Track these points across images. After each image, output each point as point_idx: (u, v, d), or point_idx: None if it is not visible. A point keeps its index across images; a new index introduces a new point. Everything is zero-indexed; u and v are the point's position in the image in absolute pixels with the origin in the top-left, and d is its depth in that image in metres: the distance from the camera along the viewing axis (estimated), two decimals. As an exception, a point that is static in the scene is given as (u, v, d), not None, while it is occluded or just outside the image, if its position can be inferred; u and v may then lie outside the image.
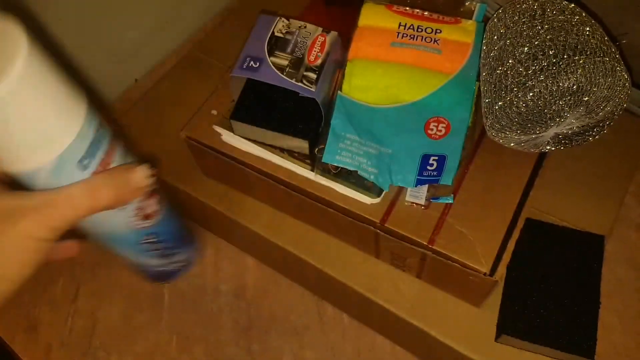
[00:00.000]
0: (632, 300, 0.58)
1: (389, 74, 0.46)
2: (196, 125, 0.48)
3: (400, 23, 0.47)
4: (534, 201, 0.49)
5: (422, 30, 0.47)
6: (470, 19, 0.49)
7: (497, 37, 0.43)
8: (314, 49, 0.45)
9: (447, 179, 0.42)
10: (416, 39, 0.46)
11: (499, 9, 0.44)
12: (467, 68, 0.45)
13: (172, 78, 0.64)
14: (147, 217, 0.36)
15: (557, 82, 0.37)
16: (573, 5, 0.42)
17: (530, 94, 0.38)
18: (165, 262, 0.43)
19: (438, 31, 0.47)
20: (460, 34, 0.47)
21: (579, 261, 0.45)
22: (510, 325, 0.43)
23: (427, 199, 0.44)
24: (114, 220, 0.33)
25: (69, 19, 0.62)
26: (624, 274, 0.60)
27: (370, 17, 0.48)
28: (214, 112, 0.49)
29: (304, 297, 0.59)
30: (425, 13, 0.48)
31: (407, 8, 0.48)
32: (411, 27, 0.47)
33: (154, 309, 0.60)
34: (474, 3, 0.49)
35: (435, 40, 0.46)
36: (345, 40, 0.48)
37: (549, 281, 0.45)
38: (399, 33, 0.47)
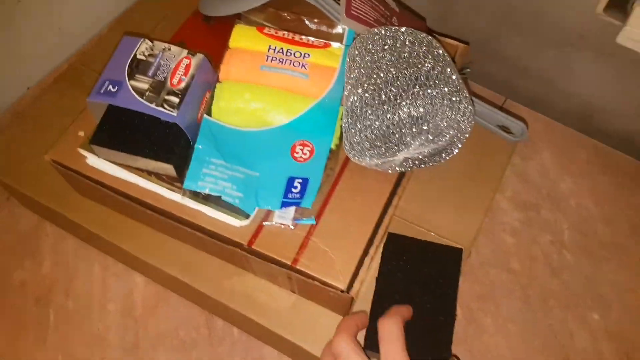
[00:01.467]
0: (503, 302, 0.63)
1: (258, 98, 0.47)
2: (62, 148, 0.48)
3: (270, 46, 0.48)
4: (402, 212, 0.52)
5: (291, 54, 0.48)
6: (341, 42, 0.51)
7: (352, 65, 0.45)
8: (178, 72, 0.45)
9: (307, 202, 0.44)
10: (285, 63, 0.48)
11: (355, 36, 0.46)
12: (332, 92, 0.47)
13: (55, 91, 0.62)
14: None
15: (398, 112, 0.39)
16: (424, 35, 0.44)
17: (376, 123, 0.40)
18: None
19: (307, 55, 0.48)
20: (327, 59, 0.48)
21: (438, 274, 0.48)
22: (369, 338, 0.45)
23: (293, 220, 0.46)
24: None
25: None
26: (497, 276, 0.65)
27: (241, 39, 0.49)
28: (81, 133, 0.48)
29: (193, 312, 0.60)
30: (296, 37, 0.49)
31: (278, 31, 0.49)
32: (280, 50, 0.48)
33: (39, 329, 0.59)
34: (344, 27, 0.51)
35: (303, 65, 0.48)
36: (218, 60, 0.48)
37: (411, 294, 0.47)
38: (268, 56, 0.48)
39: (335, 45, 0.50)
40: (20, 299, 0.60)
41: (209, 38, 0.56)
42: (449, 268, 0.49)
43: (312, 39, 0.50)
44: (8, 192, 0.63)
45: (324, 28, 0.52)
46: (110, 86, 0.43)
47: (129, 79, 0.43)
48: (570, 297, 0.63)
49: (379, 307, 0.46)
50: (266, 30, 0.50)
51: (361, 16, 0.48)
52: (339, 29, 0.52)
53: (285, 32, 0.50)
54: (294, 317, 0.49)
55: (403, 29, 0.44)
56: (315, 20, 0.52)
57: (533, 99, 0.72)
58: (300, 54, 0.48)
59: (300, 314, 0.49)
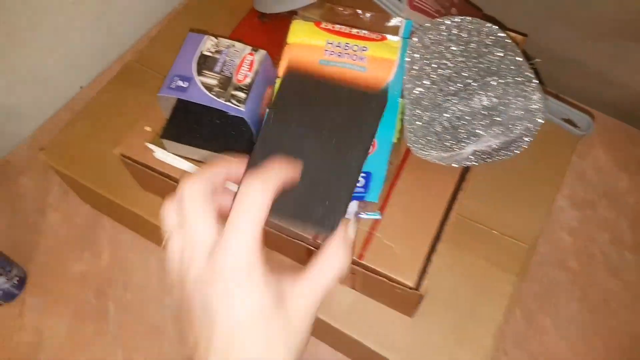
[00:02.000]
0: (563, 302, 0.61)
1: (319, 91, 0.47)
2: (130, 142, 0.48)
3: (328, 40, 0.48)
4: (463, 210, 0.51)
5: (348, 47, 0.48)
6: (397, 35, 0.51)
7: (417, 56, 0.44)
8: (243, 68, 0.45)
9: (373, 196, 0.44)
10: (343, 56, 0.47)
11: (418, 27, 0.46)
12: (392, 86, 0.47)
13: (112, 89, 0.63)
14: None
15: (470, 103, 0.39)
16: (489, 25, 0.43)
17: (445, 115, 0.40)
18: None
19: (364, 48, 0.48)
20: (385, 51, 0.48)
21: (348, 123, 0.34)
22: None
23: (356, 215, 0.45)
24: None
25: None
26: (556, 276, 0.63)
27: (299, 34, 0.49)
28: (148, 128, 0.49)
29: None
30: (353, 30, 0.49)
31: (335, 25, 0.49)
32: (338, 44, 0.48)
33: (99, 322, 0.60)
34: (400, 19, 0.50)
35: (361, 58, 0.47)
36: (277, 57, 0.48)
37: (307, 145, 0.33)
38: (326, 50, 0.47)
39: (392, 37, 0.49)
40: (81, 290, 0.62)
41: (265, 35, 0.56)
42: (365, 117, 0.34)
43: (368, 32, 0.49)
44: (68, 184, 0.64)
45: (379, 21, 0.51)
46: (180, 81, 0.43)
47: (198, 75, 0.44)
48: (631, 298, 0.60)
49: (261, 155, 0.32)
50: (323, 24, 0.49)
51: (423, 7, 0.47)
52: (394, 22, 0.52)
53: (342, 26, 0.49)
54: (355, 314, 0.49)
55: (469, 19, 0.43)
56: (370, 14, 0.52)
57: (582, 92, 0.69)
58: (358, 47, 0.48)
59: (361, 310, 0.49)
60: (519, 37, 0.54)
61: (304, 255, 0.47)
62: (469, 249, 0.51)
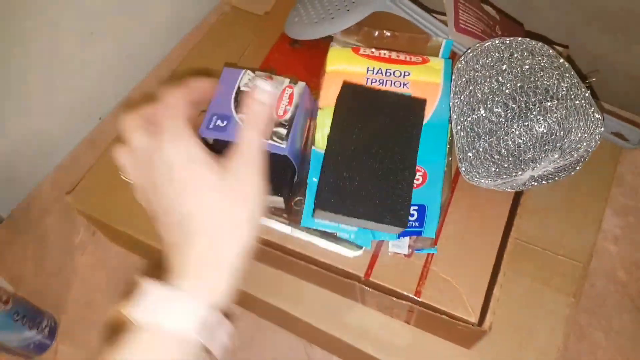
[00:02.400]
0: (614, 314, 0.59)
1: (361, 121, 0.45)
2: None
3: (368, 67, 0.46)
4: (515, 231, 0.49)
5: (390, 73, 0.46)
6: (437, 55, 0.49)
7: (466, 81, 0.42)
8: (282, 102, 0.43)
9: (430, 232, 0.42)
10: (385, 84, 0.45)
11: (467, 50, 0.44)
12: (439, 111, 0.45)
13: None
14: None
15: (530, 130, 0.37)
16: (540, 44, 0.41)
17: (504, 143, 0.38)
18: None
19: (407, 73, 0.46)
20: (428, 75, 0.46)
21: (398, 125, 0.42)
22: (324, 199, 0.39)
23: (410, 248, 0.43)
24: None
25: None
26: (604, 288, 0.61)
27: (338, 62, 0.47)
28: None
29: (291, 342, 0.58)
30: (392, 54, 0.47)
31: (374, 50, 0.47)
32: (379, 71, 0.46)
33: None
34: (440, 39, 0.48)
35: (404, 84, 0.45)
36: (314, 84, 0.46)
37: (367, 147, 0.41)
38: (367, 78, 0.45)
39: (434, 59, 0.47)
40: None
41: (299, 62, 0.54)
42: (411, 119, 0.42)
43: (408, 55, 0.47)
44: (95, 226, 0.62)
45: (418, 42, 0.49)
46: (219, 121, 0.41)
47: (237, 113, 0.42)
48: (686, 307, 0.58)
49: (332, 161, 0.41)
50: (362, 50, 0.47)
51: (469, 28, 0.45)
52: (433, 42, 0.50)
53: (381, 51, 0.47)
54: (412, 351, 0.47)
55: (519, 39, 0.41)
56: (409, 35, 0.50)
57: (622, 97, 0.67)
58: (400, 72, 0.46)
59: (417, 347, 0.47)
60: (560, 49, 0.52)
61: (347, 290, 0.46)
62: (523, 272, 0.49)
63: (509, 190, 0.44)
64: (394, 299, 0.42)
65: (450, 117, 0.45)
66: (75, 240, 0.66)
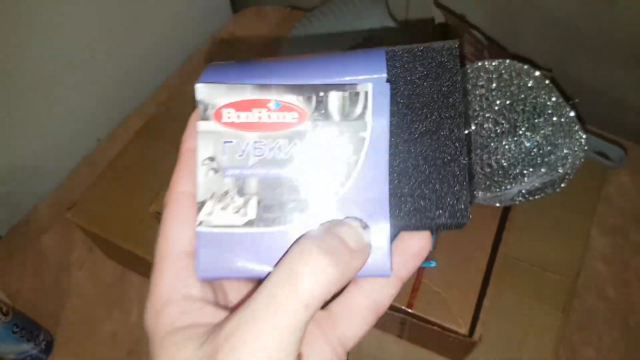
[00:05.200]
0: (604, 331, 0.60)
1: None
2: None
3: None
4: (503, 245, 0.50)
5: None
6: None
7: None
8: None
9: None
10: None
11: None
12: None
13: (137, 143, 0.63)
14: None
15: (519, 145, 0.39)
16: (527, 66, 0.43)
17: (494, 157, 0.39)
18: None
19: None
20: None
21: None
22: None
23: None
24: None
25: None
26: (593, 305, 0.62)
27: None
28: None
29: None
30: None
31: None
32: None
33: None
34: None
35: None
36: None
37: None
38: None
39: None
40: (113, 351, 0.60)
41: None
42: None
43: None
44: (94, 242, 0.63)
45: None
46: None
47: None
48: (675, 324, 0.59)
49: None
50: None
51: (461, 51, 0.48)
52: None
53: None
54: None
55: (507, 61, 0.43)
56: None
57: (603, 119, 0.70)
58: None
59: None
60: (545, 72, 0.54)
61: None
62: (512, 287, 0.50)
63: (497, 205, 0.46)
64: (388, 311, 0.43)
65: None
66: (72, 257, 0.66)
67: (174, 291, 0.22)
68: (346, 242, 0.21)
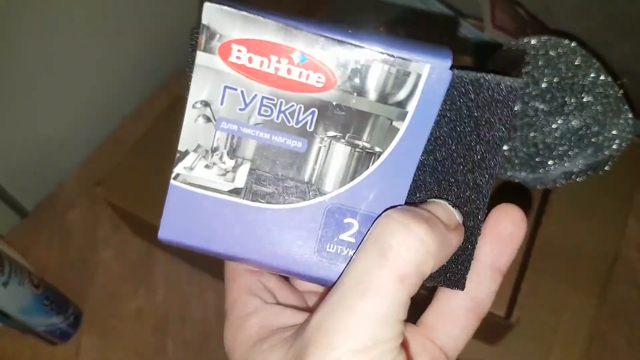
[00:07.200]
0: (635, 319, 0.59)
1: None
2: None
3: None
4: (542, 231, 0.49)
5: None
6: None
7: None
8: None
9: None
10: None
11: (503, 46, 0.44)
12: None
13: (164, 121, 0.63)
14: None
15: (566, 123, 0.37)
16: (574, 44, 0.42)
17: (540, 136, 0.38)
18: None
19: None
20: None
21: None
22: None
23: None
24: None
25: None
26: (626, 294, 0.61)
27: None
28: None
29: None
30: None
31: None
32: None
33: (159, 359, 0.58)
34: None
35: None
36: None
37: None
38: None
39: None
40: (138, 328, 0.60)
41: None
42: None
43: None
44: (122, 218, 0.63)
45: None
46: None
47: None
48: None
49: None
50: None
51: (504, 26, 0.46)
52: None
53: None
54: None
55: (554, 39, 0.42)
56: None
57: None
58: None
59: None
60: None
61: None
62: (548, 273, 0.49)
63: (538, 187, 0.45)
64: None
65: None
66: (98, 234, 0.66)
67: (251, 304, 0.21)
68: (440, 217, 0.19)
